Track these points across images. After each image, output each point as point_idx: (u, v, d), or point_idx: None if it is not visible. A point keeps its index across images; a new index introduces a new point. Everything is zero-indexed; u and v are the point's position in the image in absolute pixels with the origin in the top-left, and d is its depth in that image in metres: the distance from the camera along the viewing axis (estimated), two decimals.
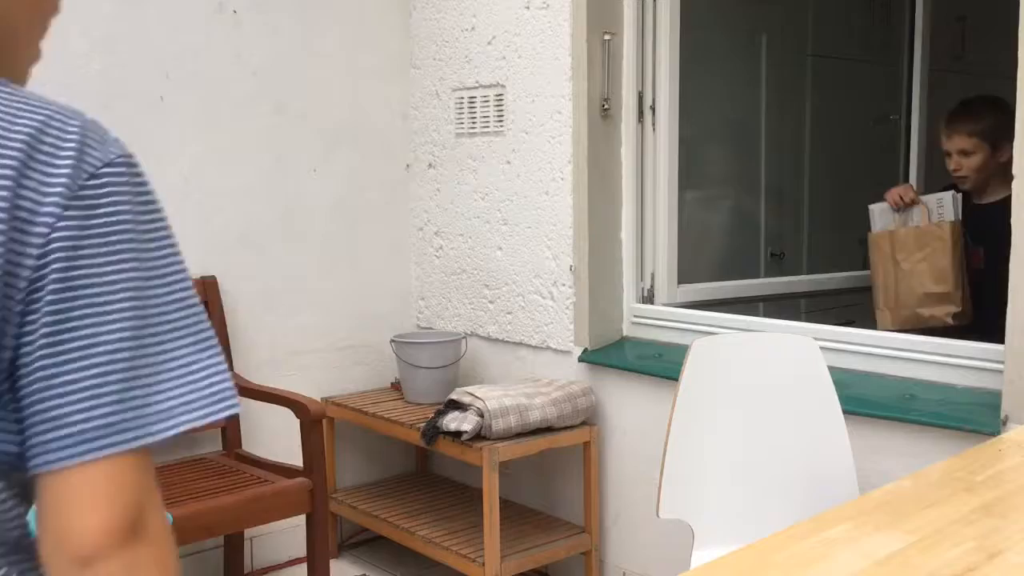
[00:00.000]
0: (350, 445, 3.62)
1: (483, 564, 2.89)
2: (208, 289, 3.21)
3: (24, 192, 0.77)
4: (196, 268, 3.21)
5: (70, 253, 0.78)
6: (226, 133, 3.26)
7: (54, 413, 0.78)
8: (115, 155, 0.82)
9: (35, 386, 0.78)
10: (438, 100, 3.57)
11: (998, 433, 2.14)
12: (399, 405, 3.36)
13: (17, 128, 0.79)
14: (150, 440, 0.80)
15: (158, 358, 0.81)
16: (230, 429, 3.22)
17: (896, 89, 3.98)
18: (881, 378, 2.52)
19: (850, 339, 2.60)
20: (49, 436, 0.78)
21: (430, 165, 3.63)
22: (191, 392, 0.82)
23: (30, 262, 0.77)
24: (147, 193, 0.84)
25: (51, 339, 0.77)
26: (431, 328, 3.70)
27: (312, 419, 2.87)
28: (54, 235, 0.77)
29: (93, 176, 0.80)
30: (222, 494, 2.79)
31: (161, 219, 0.85)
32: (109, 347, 0.79)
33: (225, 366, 0.85)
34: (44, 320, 0.77)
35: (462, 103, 3.46)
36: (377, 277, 3.67)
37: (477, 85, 3.40)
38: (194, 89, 3.19)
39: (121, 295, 0.80)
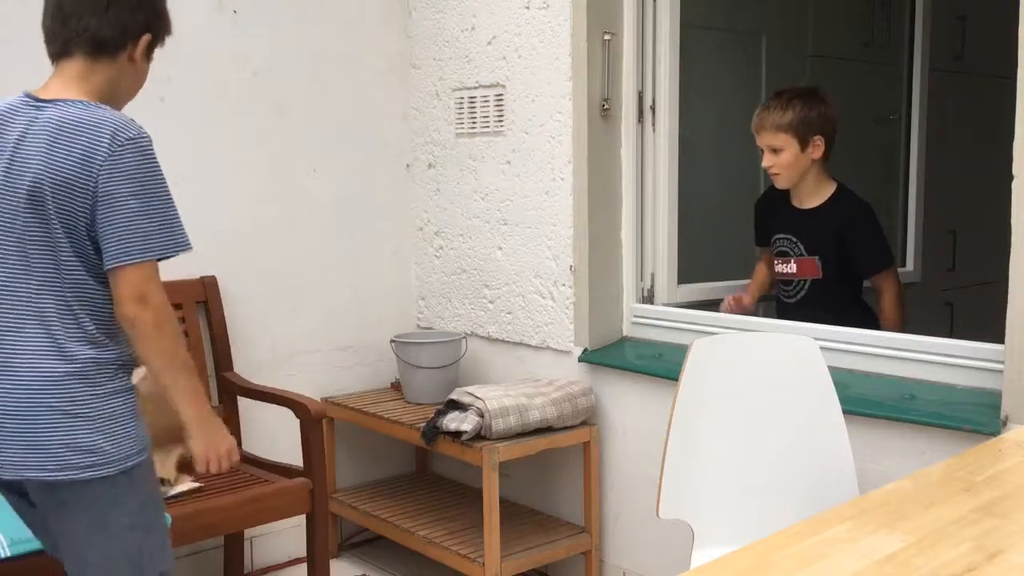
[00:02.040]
0: (350, 445, 3.62)
1: (483, 564, 2.89)
2: (208, 289, 3.21)
3: (91, 156, 1.80)
4: (196, 268, 3.21)
5: (107, 178, 1.79)
6: (226, 133, 3.26)
7: (114, 242, 1.80)
8: (131, 135, 1.83)
9: (103, 234, 1.80)
10: (438, 100, 3.57)
11: (998, 433, 2.14)
12: (399, 405, 3.36)
13: (84, 129, 1.82)
14: (147, 258, 1.82)
15: (152, 225, 1.83)
16: (230, 429, 3.20)
17: (896, 89, 3.97)
18: (881, 378, 2.52)
19: (850, 339, 2.59)
20: (111, 252, 1.80)
21: (430, 165, 3.63)
22: (165, 240, 1.84)
23: (92, 183, 1.80)
24: (147, 151, 1.84)
25: (103, 213, 1.80)
26: (431, 328, 3.70)
27: (312, 419, 2.87)
28: (100, 172, 1.79)
29: (120, 145, 1.81)
30: (222, 494, 2.79)
31: (154, 163, 1.86)
32: (126, 217, 1.80)
33: (183, 231, 1.89)
34: (99, 204, 1.80)
35: (462, 103, 3.46)
36: (377, 277, 3.67)
37: (477, 85, 3.40)
38: (194, 89, 3.19)
39: (128, 198, 1.80)
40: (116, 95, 1.96)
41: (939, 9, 3.88)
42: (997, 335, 2.24)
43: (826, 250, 2.83)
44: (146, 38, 1.96)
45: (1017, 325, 2.16)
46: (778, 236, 2.94)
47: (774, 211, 2.97)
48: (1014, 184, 2.14)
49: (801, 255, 2.87)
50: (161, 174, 1.85)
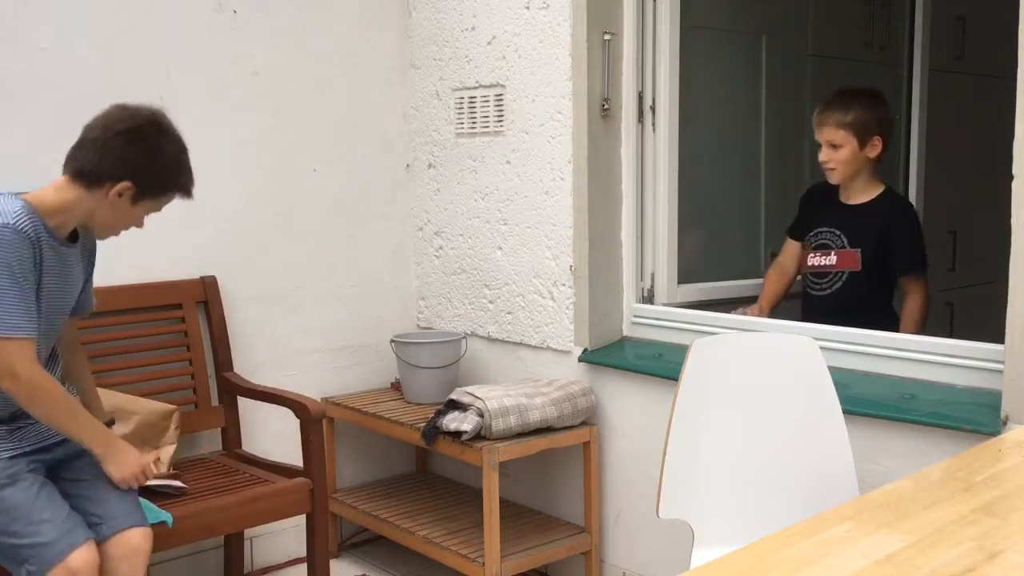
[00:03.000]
0: (350, 445, 3.62)
1: (483, 564, 2.89)
2: (208, 289, 3.21)
3: None
4: (196, 268, 3.21)
5: None
6: (226, 133, 3.26)
7: None
8: None
9: None
10: (438, 100, 3.57)
11: (998, 433, 2.14)
12: (399, 405, 3.36)
13: None
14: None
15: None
16: (230, 429, 3.22)
17: (896, 89, 3.97)
18: (881, 378, 2.52)
19: (850, 339, 2.60)
20: None
21: (430, 165, 3.63)
22: (11, 320, 2.09)
23: None
24: (3, 238, 2.09)
25: None
26: (431, 328, 3.70)
27: (312, 419, 2.87)
28: None
29: None
30: (222, 494, 2.79)
31: (3, 253, 2.08)
32: None
33: (15, 320, 2.10)
34: None
35: (462, 103, 3.46)
36: (377, 277, 3.67)
37: (477, 85, 3.40)
38: (194, 89, 3.19)
39: None
40: (92, 222, 2.28)
41: (939, 9, 3.88)
42: (997, 335, 2.24)
43: (868, 244, 2.86)
44: (123, 184, 2.20)
45: (1017, 325, 2.16)
46: (821, 229, 2.96)
47: (820, 205, 3.01)
48: (1014, 184, 2.14)
49: (843, 247, 2.90)
50: (6, 267, 2.08)
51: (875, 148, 2.86)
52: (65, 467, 2.35)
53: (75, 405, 2.30)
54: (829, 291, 2.91)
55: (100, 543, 2.24)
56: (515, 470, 3.35)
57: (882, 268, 2.86)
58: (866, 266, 2.86)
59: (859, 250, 2.86)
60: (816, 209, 3.03)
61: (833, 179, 2.91)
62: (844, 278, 2.88)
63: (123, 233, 3.00)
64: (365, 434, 3.57)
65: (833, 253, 2.91)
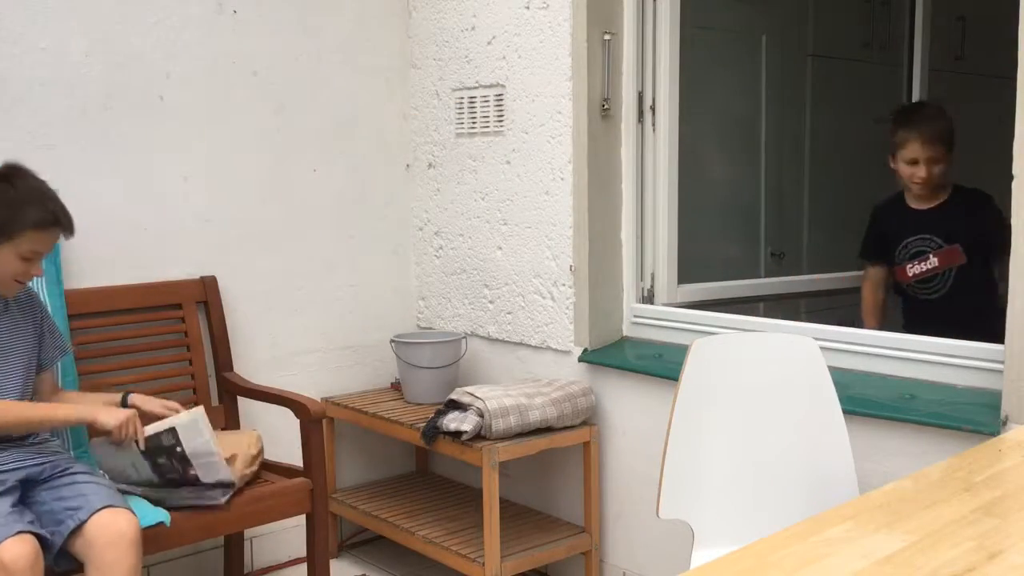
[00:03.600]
0: (350, 445, 3.62)
1: (483, 564, 2.89)
2: (208, 289, 3.21)
3: None
4: (196, 268, 3.21)
5: None
6: (226, 133, 3.26)
7: None
8: None
9: None
10: (438, 100, 3.57)
11: (998, 433, 2.14)
12: (399, 405, 3.36)
13: None
14: None
15: None
16: (230, 429, 3.21)
17: (896, 89, 3.98)
18: (881, 378, 2.52)
19: (850, 339, 2.60)
20: None
21: (430, 165, 3.63)
22: None
23: None
24: None
25: None
26: (431, 328, 3.70)
27: (312, 419, 2.87)
28: None
29: None
30: None
31: None
32: None
33: None
34: None
35: (462, 103, 3.46)
36: (377, 277, 3.67)
37: (477, 85, 3.40)
38: (194, 89, 3.19)
39: None
40: None
41: (939, 9, 3.88)
42: (997, 335, 2.24)
43: (962, 238, 2.86)
44: None
45: (1017, 325, 2.16)
46: (908, 240, 2.95)
47: (895, 219, 3.00)
48: (1014, 184, 2.14)
49: (940, 247, 2.89)
50: None
51: (950, 159, 2.88)
52: (43, 482, 2.39)
53: (34, 405, 2.45)
54: (943, 291, 2.90)
55: (80, 529, 2.25)
56: (515, 470, 3.35)
57: (981, 260, 2.86)
58: (973, 256, 2.86)
59: (958, 244, 2.86)
60: (892, 225, 3.02)
61: (920, 191, 2.91)
62: (953, 274, 2.88)
63: (123, 233, 3.03)
64: (365, 434, 3.57)
65: (932, 256, 2.90)
